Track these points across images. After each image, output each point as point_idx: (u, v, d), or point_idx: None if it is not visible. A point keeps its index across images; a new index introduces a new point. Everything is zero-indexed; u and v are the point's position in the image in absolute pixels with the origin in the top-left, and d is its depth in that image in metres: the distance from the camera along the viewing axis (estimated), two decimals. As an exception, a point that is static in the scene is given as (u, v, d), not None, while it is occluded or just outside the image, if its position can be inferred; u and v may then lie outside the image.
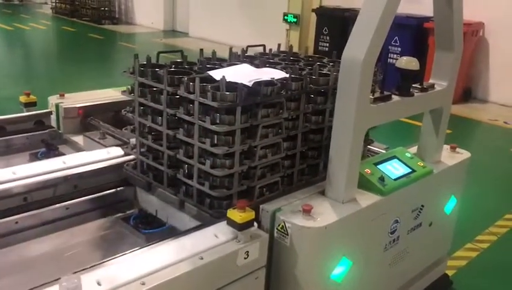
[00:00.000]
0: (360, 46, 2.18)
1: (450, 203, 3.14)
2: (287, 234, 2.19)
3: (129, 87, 2.63)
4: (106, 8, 17.69)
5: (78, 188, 2.70)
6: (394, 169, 2.70)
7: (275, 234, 2.24)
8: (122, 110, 2.73)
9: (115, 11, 17.95)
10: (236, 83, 2.20)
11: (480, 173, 5.43)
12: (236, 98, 2.18)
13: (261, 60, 2.84)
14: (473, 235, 4.40)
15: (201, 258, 1.92)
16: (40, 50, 13.41)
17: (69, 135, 3.48)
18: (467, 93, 9.13)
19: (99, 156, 2.90)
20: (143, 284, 1.75)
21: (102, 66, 11.28)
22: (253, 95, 2.27)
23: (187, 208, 2.43)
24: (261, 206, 2.29)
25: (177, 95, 2.36)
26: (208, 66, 2.65)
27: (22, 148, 3.32)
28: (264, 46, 3.21)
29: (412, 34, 8.82)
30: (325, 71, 2.70)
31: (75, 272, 1.72)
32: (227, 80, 2.22)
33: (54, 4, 19.38)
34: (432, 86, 2.88)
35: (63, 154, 3.16)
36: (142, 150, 2.66)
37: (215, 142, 2.24)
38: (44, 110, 3.59)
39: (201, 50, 2.99)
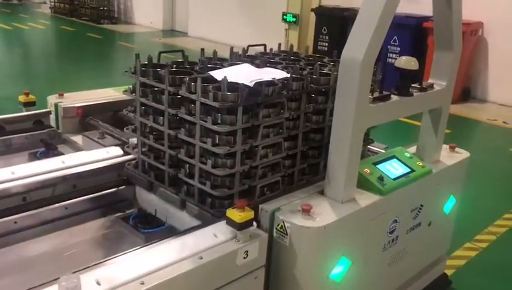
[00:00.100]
0: (359, 46, 2.18)
1: (449, 203, 3.15)
2: (286, 234, 2.19)
3: (130, 87, 2.63)
4: (105, 8, 17.68)
5: (77, 188, 2.70)
6: (393, 169, 2.70)
7: (274, 234, 2.24)
8: (124, 110, 2.73)
9: (114, 10, 17.93)
10: (237, 83, 2.21)
11: (480, 173, 5.43)
12: (238, 98, 2.18)
13: (261, 59, 2.84)
14: (472, 234, 4.41)
15: (201, 258, 1.93)
16: (39, 50, 13.40)
17: (68, 134, 3.48)
18: (466, 93, 9.13)
19: (98, 155, 2.91)
20: (142, 283, 1.75)
21: (101, 66, 11.27)
22: (254, 95, 2.27)
23: (188, 208, 2.43)
24: (260, 206, 2.29)
25: (179, 95, 2.36)
26: (209, 66, 2.65)
27: (21, 148, 3.32)
28: (264, 45, 3.21)
29: (411, 33, 8.82)
30: (325, 71, 2.71)
31: (74, 272, 1.72)
32: (229, 80, 2.23)
33: (52, 4, 19.35)
34: (431, 86, 2.88)
35: (62, 154, 3.15)
36: (144, 149, 2.66)
37: (217, 142, 2.24)
38: (44, 110, 3.59)
39: (202, 50, 2.99)
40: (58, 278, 1.61)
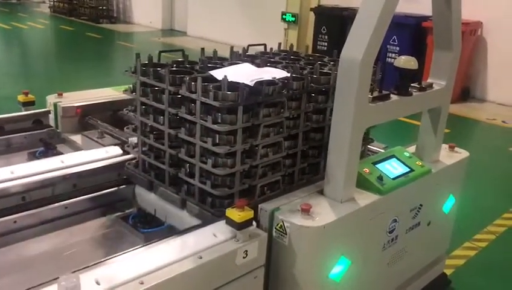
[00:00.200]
0: (359, 46, 2.18)
1: (448, 203, 3.15)
2: (286, 234, 2.20)
3: (130, 86, 2.64)
4: (104, 7, 17.67)
5: (76, 187, 2.70)
6: (393, 168, 2.70)
7: (274, 234, 2.24)
8: (124, 109, 2.73)
9: (113, 10, 17.93)
10: (237, 83, 2.21)
11: (479, 172, 5.43)
12: (238, 98, 2.18)
13: (262, 59, 2.84)
14: (471, 234, 4.41)
15: (200, 258, 1.93)
16: (38, 49, 13.39)
17: (67, 134, 3.48)
18: (465, 93, 9.14)
19: (97, 155, 2.91)
20: (142, 283, 1.75)
21: (101, 65, 11.27)
22: (254, 94, 2.27)
23: (189, 207, 2.44)
24: (259, 205, 2.29)
25: (179, 95, 2.36)
26: (209, 65, 2.66)
27: (20, 148, 3.31)
28: (264, 45, 3.21)
29: (410, 33, 8.82)
30: (325, 70, 2.71)
31: (74, 271, 1.71)
32: (229, 80, 2.23)
33: (51, 3, 19.34)
34: (431, 86, 2.88)
35: (61, 153, 3.15)
36: (144, 149, 2.66)
37: (217, 141, 2.24)
38: (43, 110, 3.59)
39: (203, 49, 2.99)
40: (58, 277, 1.61)
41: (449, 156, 3.14)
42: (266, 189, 2.46)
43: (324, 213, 2.27)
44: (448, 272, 3.67)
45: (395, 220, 2.65)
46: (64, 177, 2.67)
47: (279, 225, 2.21)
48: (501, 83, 9.08)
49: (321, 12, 10.34)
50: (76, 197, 2.63)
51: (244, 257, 2.05)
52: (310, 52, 3.52)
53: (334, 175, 2.39)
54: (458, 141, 3.34)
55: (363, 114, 2.31)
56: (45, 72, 10.47)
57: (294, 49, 3.35)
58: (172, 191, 2.52)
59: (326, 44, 10.18)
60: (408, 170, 2.75)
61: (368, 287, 2.68)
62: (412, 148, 3.08)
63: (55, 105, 3.53)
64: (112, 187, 2.76)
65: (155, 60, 2.65)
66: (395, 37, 8.98)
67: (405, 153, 2.88)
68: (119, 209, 2.74)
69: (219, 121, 2.23)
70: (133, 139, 2.84)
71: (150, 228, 2.51)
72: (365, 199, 2.45)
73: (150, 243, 2.03)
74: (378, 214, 2.53)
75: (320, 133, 2.65)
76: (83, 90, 3.98)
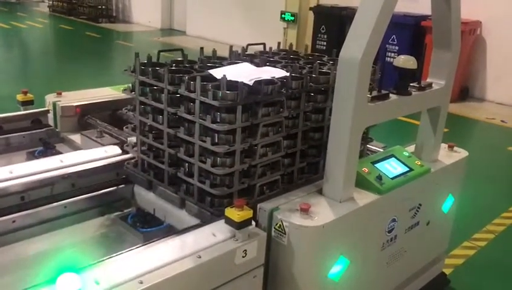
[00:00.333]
0: (358, 46, 2.18)
1: (447, 202, 3.15)
2: (285, 233, 2.19)
3: (129, 85, 2.63)
4: (103, 7, 17.63)
5: (75, 187, 2.70)
6: (392, 168, 2.70)
7: (273, 233, 2.24)
8: (123, 109, 2.73)
9: (112, 9, 17.90)
10: (236, 82, 2.21)
11: (478, 172, 5.43)
12: (237, 97, 2.18)
13: (261, 58, 2.84)
14: (471, 233, 4.41)
15: (199, 257, 1.93)
16: (37, 48, 13.37)
17: (66, 133, 3.48)
18: (464, 92, 9.14)
19: (96, 154, 2.91)
20: (141, 283, 1.75)
21: (100, 65, 11.25)
22: (253, 93, 2.27)
23: (188, 207, 2.44)
24: (258, 205, 2.29)
25: (178, 94, 2.36)
26: (208, 64, 2.65)
27: (19, 147, 3.31)
28: (264, 44, 3.21)
29: (409, 32, 8.82)
30: (325, 70, 2.71)
31: (73, 271, 1.71)
32: (228, 79, 2.22)
33: (51, 2, 19.31)
34: (430, 85, 2.88)
35: (60, 152, 3.15)
36: (143, 148, 2.66)
37: (216, 140, 2.24)
38: (42, 109, 3.58)
39: (202, 49, 2.99)
40: (57, 277, 1.61)
41: (448, 156, 3.14)
42: (265, 188, 2.46)
43: (323, 213, 2.27)
44: (447, 271, 3.67)
45: (394, 220, 2.65)
46: (63, 177, 2.67)
47: (278, 225, 2.21)
48: (500, 82, 9.08)
49: (320, 12, 10.34)
50: (75, 196, 2.63)
51: (243, 257, 2.05)
52: (309, 51, 3.51)
53: (333, 174, 2.39)
54: (457, 141, 3.34)
55: (362, 113, 2.31)
56: (44, 71, 10.46)
57: (294, 48, 3.35)
58: (171, 191, 2.52)
59: (325, 43, 10.18)
60: (407, 169, 2.75)
61: (367, 287, 2.68)
62: (411, 148, 3.08)
63: (54, 104, 3.52)
64: (111, 187, 2.76)
65: (154, 60, 2.65)
66: (394, 36, 8.97)
67: (404, 153, 2.88)
68: (118, 209, 2.74)
69: (218, 120, 2.23)
70: (132, 139, 2.84)
71: (149, 227, 2.50)
72: (364, 198, 2.45)
73: (149, 243, 2.03)
74: (377, 213, 2.53)
75: (319, 133, 2.65)
76: (82, 90, 3.97)
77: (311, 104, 2.56)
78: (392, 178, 2.62)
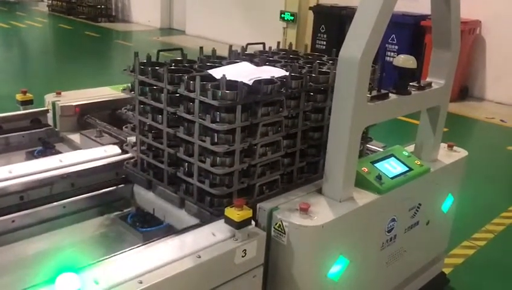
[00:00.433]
0: (357, 45, 2.18)
1: (447, 202, 3.15)
2: (284, 233, 2.19)
3: (129, 85, 2.63)
4: (103, 6, 17.61)
5: (75, 187, 2.69)
6: (391, 167, 2.70)
7: (272, 233, 2.24)
8: (122, 108, 2.73)
9: (111, 8, 17.88)
10: (236, 82, 2.21)
11: (477, 171, 5.44)
12: (237, 97, 2.18)
13: (260, 58, 2.84)
14: (470, 233, 4.41)
15: (199, 257, 1.92)
16: (37, 48, 13.35)
17: (65, 133, 3.48)
18: (463, 92, 9.14)
19: (96, 154, 2.90)
20: (140, 282, 1.74)
21: (99, 64, 11.24)
22: (253, 93, 2.27)
23: (187, 206, 2.43)
24: (258, 204, 2.29)
25: (177, 94, 2.36)
26: (208, 64, 2.65)
27: (19, 147, 3.31)
28: (263, 44, 3.21)
29: (409, 32, 8.82)
30: (324, 69, 2.70)
31: (73, 271, 1.71)
32: (228, 79, 2.22)
33: (50, 2, 19.29)
34: (429, 85, 2.88)
35: (59, 152, 3.15)
36: (142, 148, 2.66)
37: (216, 140, 2.24)
38: (41, 108, 3.58)
39: (201, 48, 2.99)
40: (56, 277, 1.61)
41: (448, 155, 3.14)
42: (265, 188, 2.46)
43: (323, 212, 2.27)
44: (446, 271, 3.67)
45: (393, 220, 2.65)
46: (63, 177, 2.66)
47: (277, 224, 2.21)
48: (500, 81, 9.08)
49: (320, 11, 10.34)
50: (74, 196, 2.63)
51: (242, 256, 2.05)
52: (308, 51, 3.51)
53: (332, 174, 2.39)
54: (457, 140, 3.34)
55: (362, 113, 2.31)
56: (43, 71, 10.45)
57: (293, 48, 3.35)
58: (170, 190, 2.51)
59: (325, 43, 10.18)
60: (407, 169, 2.75)
61: (367, 287, 2.68)
62: (411, 148, 3.08)
63: (53, 104, 3.52)
64: (111, 186, 2.76)
65: (153, 59, 2.64)
66: (393, 36, 8.97)
67: (404, 152, 2.88)
68: (118, 209, 2.74)
69: (218, 120, 2.22)
70: (132, 138, 2.84)
71: (149, 227, 2.50)
72: (364, 198, 2.45)
73: (149, 242, 2.03)
74: (377, 213, 2.53)
75: (319, 132, 2.65)
76: (82, 89, 3.97)
77: (310, 104, 2.56)
78: (392, 178, 2.62)
